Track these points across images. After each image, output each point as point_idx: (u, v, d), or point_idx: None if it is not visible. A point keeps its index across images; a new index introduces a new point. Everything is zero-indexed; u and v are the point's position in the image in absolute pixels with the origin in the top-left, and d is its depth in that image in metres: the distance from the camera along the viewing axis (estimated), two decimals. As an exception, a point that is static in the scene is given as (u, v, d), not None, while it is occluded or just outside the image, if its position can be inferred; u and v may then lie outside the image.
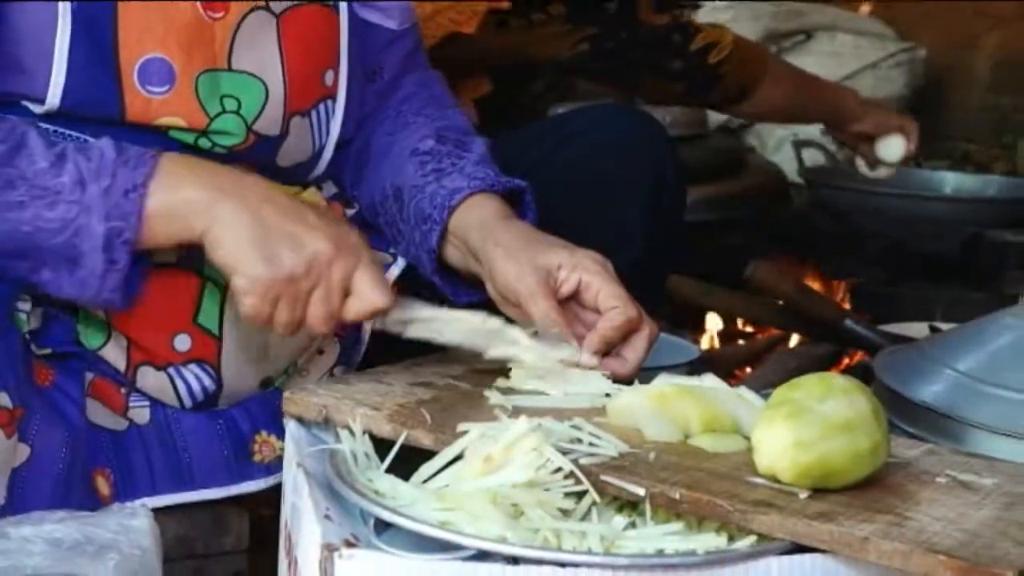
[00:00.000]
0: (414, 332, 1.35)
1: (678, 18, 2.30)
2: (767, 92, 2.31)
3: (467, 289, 1.47)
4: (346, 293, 1.28)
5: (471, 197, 1.43)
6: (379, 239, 1.53)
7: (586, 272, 1.36)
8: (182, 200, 1.24)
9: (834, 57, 3.81)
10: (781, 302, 2.58)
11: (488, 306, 1.40)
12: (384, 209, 1.51)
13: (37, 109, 1.32)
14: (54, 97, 1.31)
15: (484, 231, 1.41)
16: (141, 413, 1.38)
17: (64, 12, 1.30)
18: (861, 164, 2.52)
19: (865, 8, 4.21)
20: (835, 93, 2.51)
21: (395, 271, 1.50)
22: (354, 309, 1.29)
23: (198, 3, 1.36)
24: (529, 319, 1.35)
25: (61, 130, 1.33)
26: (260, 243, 1.24)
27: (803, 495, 1.07)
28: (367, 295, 1.29)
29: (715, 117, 3.62)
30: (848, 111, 2.44)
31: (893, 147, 2.42)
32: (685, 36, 2.21)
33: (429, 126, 1.54)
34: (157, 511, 1.19)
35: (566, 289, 1.36)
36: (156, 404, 1.39)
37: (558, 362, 1.32)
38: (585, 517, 1.08)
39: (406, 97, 1.61)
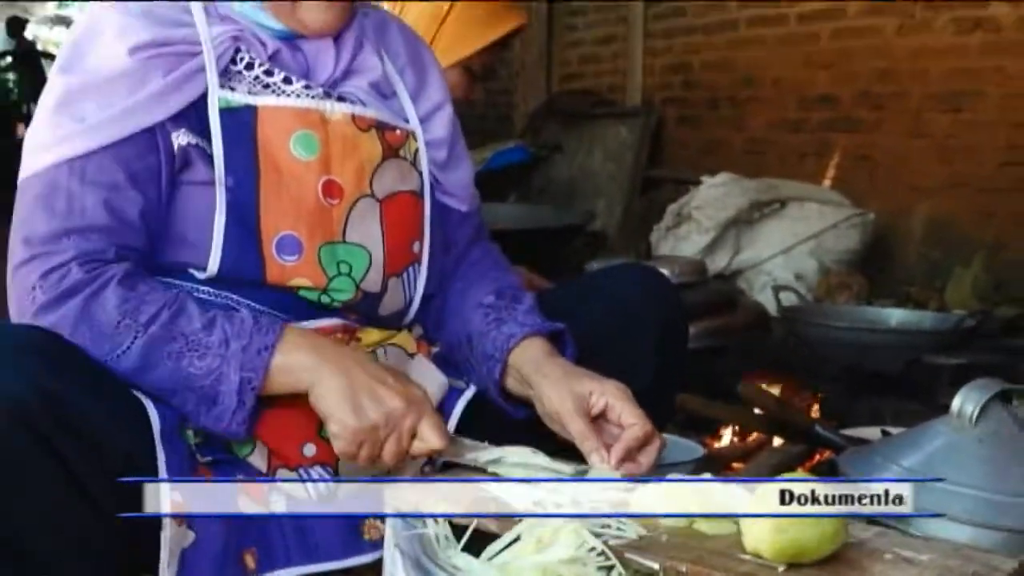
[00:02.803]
0: (464, 462, 1.36)
1: None
2: None
3: (523, 408, 1.48)
4: (413, 436, 1.31)
5: (524, 340, 1.46)
6: (456, 371, 1.54)
7: (612, 397, 1.38)
8: (296, 361, 1.28)
9: (803, 221, 3.82)
10: (765, 412, 2.57)
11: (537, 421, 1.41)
12: (459, 351, 1.53)
13: (200, 275, 1.35)
14: (214, 266, 1.34)
15: (534, 366, 1.43)
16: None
17: (221, 201, 1.34)
18: None
19: (827, 182, 4.25)
20: None
21: (468, 394, 1.51)
22: (419, 449, 1.32)
23: (320, 194, 1.40)
24: (569, 434, 1.37)
25: (219, 292, 1.35)
26: (351, 399, 1.27)
27: (781, 568, 1.07)
28: (429, 439, 1.31)
29: (713, 267, 3.64)
30: None
31: None
32: None
33: (491, 285, 1.56)
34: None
35: (596, 410, 1.39)
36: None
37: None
38: (614, 586, 1.07)
39: (473, 263, 1.63)
